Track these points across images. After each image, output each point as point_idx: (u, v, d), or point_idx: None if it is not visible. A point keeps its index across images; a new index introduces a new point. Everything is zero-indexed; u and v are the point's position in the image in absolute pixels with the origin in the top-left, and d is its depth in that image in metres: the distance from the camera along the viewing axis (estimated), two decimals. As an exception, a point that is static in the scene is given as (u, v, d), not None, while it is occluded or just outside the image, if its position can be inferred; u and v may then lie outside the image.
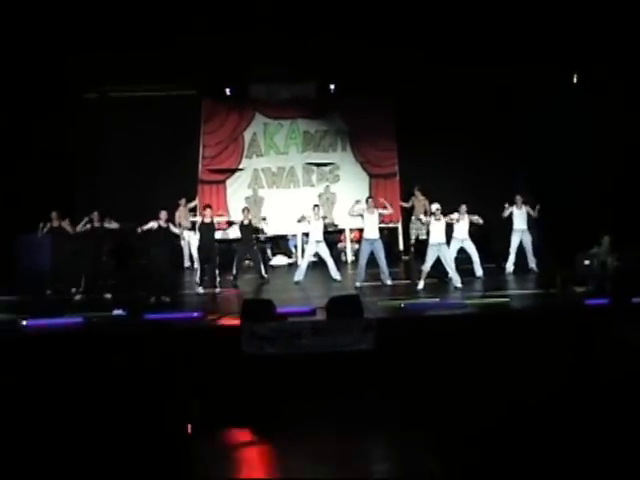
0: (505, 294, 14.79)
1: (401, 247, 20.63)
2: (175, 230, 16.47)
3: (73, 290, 16.33)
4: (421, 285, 15.82)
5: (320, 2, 16.29)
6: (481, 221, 16.57)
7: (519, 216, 17.68)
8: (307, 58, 18.21)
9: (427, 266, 15.92)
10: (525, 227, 17.66)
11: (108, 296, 16.05)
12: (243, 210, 17.81)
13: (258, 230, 17.82)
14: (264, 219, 19.59)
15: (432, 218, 16.08)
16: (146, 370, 11.28)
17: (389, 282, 16.41)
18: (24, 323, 13.21)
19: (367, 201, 16.94)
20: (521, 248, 17.70)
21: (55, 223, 16.73)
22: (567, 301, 14.04)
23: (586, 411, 9.59)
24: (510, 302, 14.13)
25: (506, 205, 17.48)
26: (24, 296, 15.76)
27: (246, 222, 17.25)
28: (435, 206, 16.17)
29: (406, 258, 20.20)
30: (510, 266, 17.68)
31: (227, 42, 17.21)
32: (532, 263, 17.63)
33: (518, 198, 17.71)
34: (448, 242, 16.25)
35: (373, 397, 10.43)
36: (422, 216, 18.70)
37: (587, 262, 15.07)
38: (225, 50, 17.53)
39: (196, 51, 17.50)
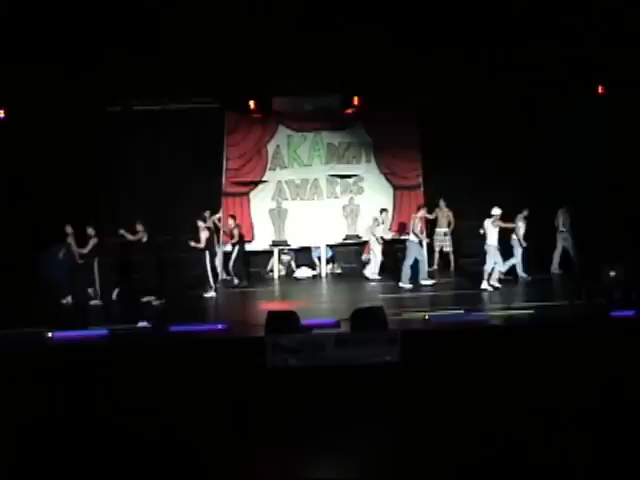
0: (530, 305, 14.70)
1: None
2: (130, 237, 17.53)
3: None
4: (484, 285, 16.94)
5: (344, 14, 16.31)
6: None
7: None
8: (331, 70, 18.19)
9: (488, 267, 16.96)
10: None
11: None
12: None
13: None
14: None
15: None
16: (170, 382, 11.31)
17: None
18: (49, 335, 13.29)
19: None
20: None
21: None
22: (593, 313, 13.95)
23: (614, 424, 9.51)
24: (535, 314, 14.06)
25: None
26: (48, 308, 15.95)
27: None
28: (495, 211, 16.91)
29: (430, 270, 20.10)
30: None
31: (250, 55, 17.25)
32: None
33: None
34: None
35: (398, 409, 10.37)
36: (446, 229, 18.94)
37: (613, 273, 14.97)
38: (248, 63, 17.56)
39: (219, 64, 17.54)
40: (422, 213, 18.60)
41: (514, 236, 17.82)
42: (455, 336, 12.74)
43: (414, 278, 17.76)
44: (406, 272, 17.74)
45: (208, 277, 17.62)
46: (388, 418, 10.14)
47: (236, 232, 18.65)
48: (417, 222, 18.12)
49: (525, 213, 18.07)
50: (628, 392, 10.55)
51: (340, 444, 9.45)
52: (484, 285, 16.86)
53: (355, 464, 9.04)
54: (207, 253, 17.63)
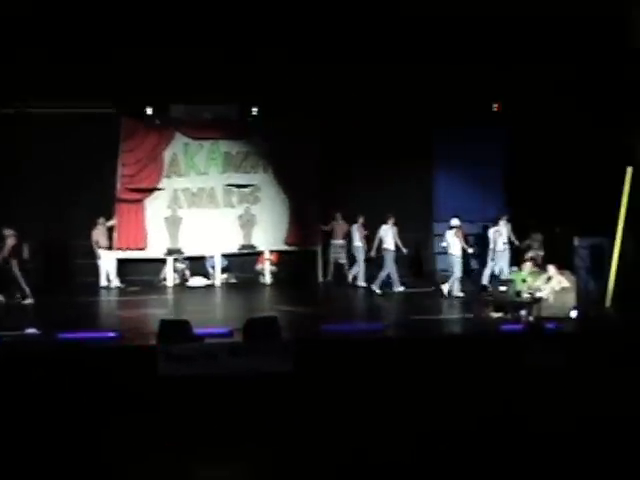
0: (424, 318, 14.95)
1: (319, 271, 20.63)
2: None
3: None
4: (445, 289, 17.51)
5: (243, 24, 16.29)
6: None
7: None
8: (229, 80, 18.12)
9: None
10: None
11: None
12: None
13: None
14: None
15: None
16: (61, 391, 11.08)
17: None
18: None
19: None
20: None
21: None
22: (483, 327, 14.23)
23: (499, 440, 9.65)
24: (429, 326, 14.27)
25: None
26: None
27: None
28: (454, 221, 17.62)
29: (322, 281, 20.31)
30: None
31: (148, 61, 17.07)
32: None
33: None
34: None
35: (290, 418, 10.37)
36: (342, 241, 19.03)
37: (503, 288, 15.29)
38: (146, 69, 17.38)
39: (117, 69, 17.30)
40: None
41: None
42: (348, 346, 12.82)
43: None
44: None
45: (20, 284, 17.30)
46: (280, 427, 10.13)
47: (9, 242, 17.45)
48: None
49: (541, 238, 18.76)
50: (513, 407, 10.72)
51: (232, 452, 9.40)
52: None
53: (246, 472, 9.00)
54: (15, 261, 17.23)
